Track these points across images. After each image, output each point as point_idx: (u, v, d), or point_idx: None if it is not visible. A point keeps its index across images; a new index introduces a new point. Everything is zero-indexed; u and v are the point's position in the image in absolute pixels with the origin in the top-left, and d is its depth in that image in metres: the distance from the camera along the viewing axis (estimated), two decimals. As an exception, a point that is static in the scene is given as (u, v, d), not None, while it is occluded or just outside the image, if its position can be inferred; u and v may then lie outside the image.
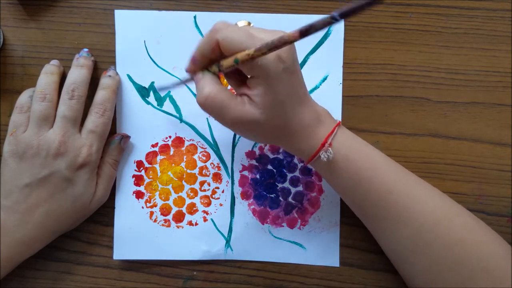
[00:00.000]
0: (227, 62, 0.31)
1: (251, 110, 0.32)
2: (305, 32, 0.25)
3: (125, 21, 0.42)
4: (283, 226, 0.41)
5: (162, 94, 0.42)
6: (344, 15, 0.22)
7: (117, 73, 0.41)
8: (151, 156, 0.42)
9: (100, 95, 0.39)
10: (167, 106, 0.42)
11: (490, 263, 0.32)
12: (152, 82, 0.42)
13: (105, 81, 0.40)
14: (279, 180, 0.42)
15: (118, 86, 0.41)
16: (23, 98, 0.39)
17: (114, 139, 0.40)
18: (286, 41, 0.27)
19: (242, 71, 0.32)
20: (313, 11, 0.42)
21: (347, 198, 0.37)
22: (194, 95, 0.42)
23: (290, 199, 0.42)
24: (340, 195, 0.38)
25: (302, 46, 0.42)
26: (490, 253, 0.32)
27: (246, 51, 0.29)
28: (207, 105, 0.32)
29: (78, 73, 0.39)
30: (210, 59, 0.33)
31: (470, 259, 0.32)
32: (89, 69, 0.40)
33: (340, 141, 0.34)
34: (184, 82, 0.37)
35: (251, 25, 0.37)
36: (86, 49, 0.41)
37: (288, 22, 0.41)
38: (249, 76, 0.32)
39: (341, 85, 0.42)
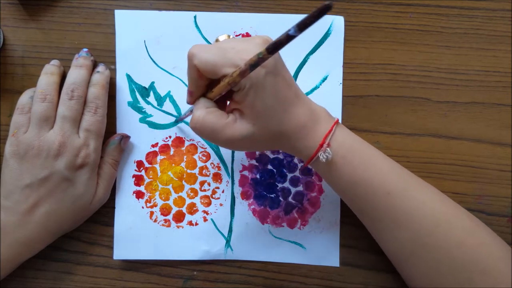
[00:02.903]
0: (217, 89, 0.32)
1: (243, 125, 0.32)
2: (272, 49, 0.26)
3: (125, 21, 0.42)
4: (283, 226, 0.41)
5: (180, 120, 0.41)
6: (300, 28, 0.23)
7: (106, 68, 0.41)
8: (151, 156, 0.42)
9: (90, 92, 0.39)
10: (167, 106, 0.42)
11: (489, 265, 0.32)
12: (152, 82, 0.42)
13: (94, 77, 0.40)
14: (279, 180, 0.42)
15: (108, 80, 0.40)
16: (24, 98, 0.39)
17: (114, 139, 0.40)
18: (256, 63, 0.27)
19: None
20: (313, 11, 0.42)
21: (346, 198, 0.36)
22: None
23: (290, 199, 0.42)
24: (339, 195, 0.37)
25: (302, 46, 0.42)
26: (489, 255, 0.32)
27: (225, 81, 0.30)
28: (197, 130, 0.33)
29: (77, 74, 0.39)
30: (206, 85, 0.33)
31: (468, 262, 0.32)
32: (89, 69, 0.40)
33: (339, 140, 0.34)
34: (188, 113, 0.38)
35: (231, 37, 0.36)
36: (85, 49, 0.41)
37: (288, 22, 0.41)
38: (235, 91, 0.32)
39: (341, 85, 0.42)
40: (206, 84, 0.33)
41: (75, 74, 0.39)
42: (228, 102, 0.35)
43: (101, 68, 0.40)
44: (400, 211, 0.33)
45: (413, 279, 0.35)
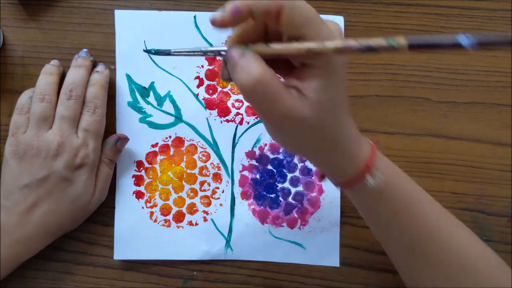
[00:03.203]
0: (284, 49, 0.25)
1: (303, 106, 0.25)
2: (416, 47, 0.23)
3: (125, 21, 0.42)
4: (283, 226, 0.41)
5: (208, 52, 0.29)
6: (480, 44, 0.21)
7: (105, 68, 0.40)
8: (151, 156, 0.42)
9: (89, 92, 0.39)
10: (167, 106, 0.42)
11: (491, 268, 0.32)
12: (152, 82, 0.42)
13: (93, 77, 0.40)
14: (279, 180, 0.42)
15: (107, 80, 0.40)
16: (23, 98, 0.39)
17: (110, 139, 0.40)
18: (378, 48, 0.24)
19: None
20: (313, 11, 0.42)
21: (380, 229, 0.33)
22: (194, 94, 0.42)
23: (290, 199, 0.42)
24: (369, 224, 0.34)
25: (302, 46, 0.41)
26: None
27: (310, 46, 0.24)
28: (257, 91, 0.25)
29: (76, 73, 0.39)
30: (254, 32, 0.26)
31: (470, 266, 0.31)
32: (88, 69, 0.40)
33: (383, 166, 0.29)
34: (202, 52, 0.27)
35: None
36: (85, 49, 0.41)
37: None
38: (296, 65, 0.27)
39: (341, 85, 0.42)
40: (256, 31, 0.26)
41: (74, 74, 0.39)
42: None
43: (100, 67, 0.40)
44: (439, 250, 0.32)
45: (413, 280, 0.35)
